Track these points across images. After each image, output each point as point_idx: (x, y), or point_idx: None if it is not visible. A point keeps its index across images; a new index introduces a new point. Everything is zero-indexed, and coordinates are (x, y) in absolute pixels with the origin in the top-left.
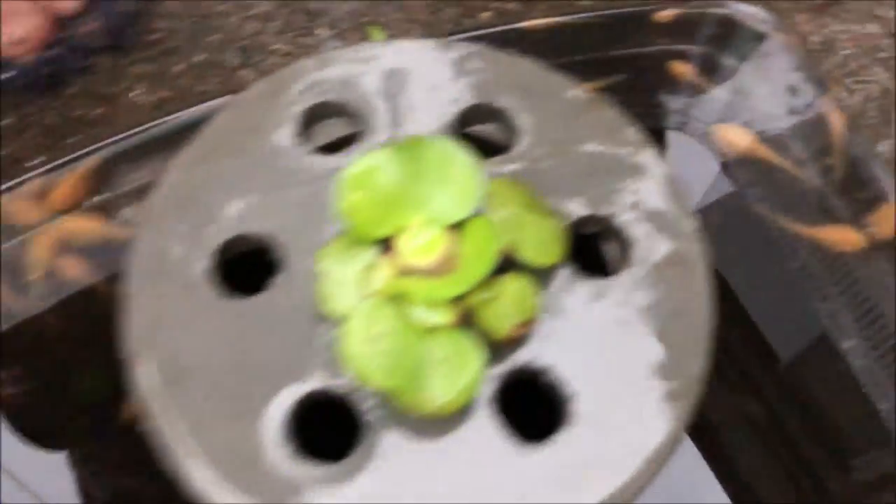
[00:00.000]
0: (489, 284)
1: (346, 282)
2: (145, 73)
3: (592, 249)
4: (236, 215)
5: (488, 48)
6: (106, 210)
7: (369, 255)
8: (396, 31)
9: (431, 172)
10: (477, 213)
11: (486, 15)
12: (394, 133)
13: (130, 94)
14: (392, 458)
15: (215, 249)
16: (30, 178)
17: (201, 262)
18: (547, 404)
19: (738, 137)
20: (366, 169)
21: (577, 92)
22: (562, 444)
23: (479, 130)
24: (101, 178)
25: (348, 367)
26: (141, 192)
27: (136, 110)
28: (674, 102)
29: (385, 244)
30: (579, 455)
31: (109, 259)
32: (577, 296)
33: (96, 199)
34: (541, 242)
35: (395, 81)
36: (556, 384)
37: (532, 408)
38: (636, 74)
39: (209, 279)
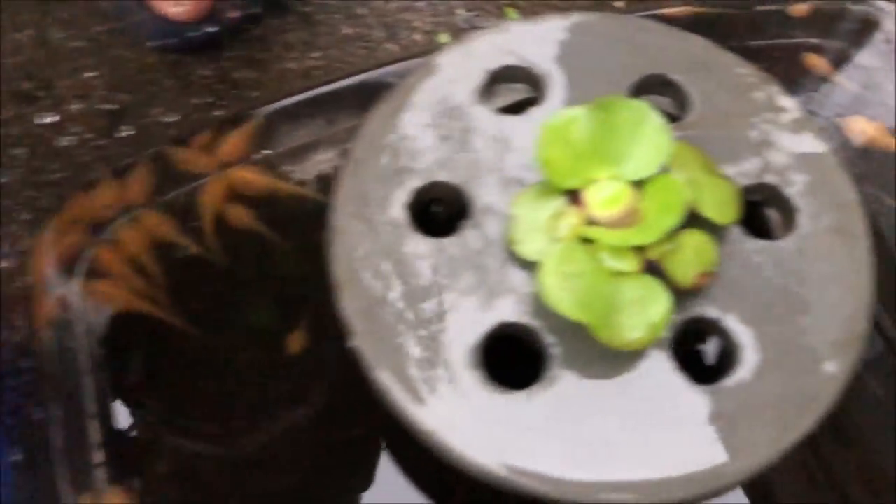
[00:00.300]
0: (672, 237)
1: (535, 227)
2: (295, 41)
3: (755, 215)
4: (430, 163)
5: (660, 23)
6: (269, 165)
7: (558, 203)
8: (532, 15)
9: (624, 131)
10: (662, 172)
11: (619, 3)
12: (570, 99)
13: (281, 61)
14: (572, 389)
15: (412, 192)
16: (200, 133)
17: (400, 203)
18: (714, 352)
19: (864, 129)
20: (563, 124)
21: (745, 69)
22: (730, 389)
23: (650, 100)
24: (264, 136)
25: (546, 301)
26: (299, 151)
27: (286, 77)
28: (802, 94)
29: (572, 195)
30: (747, 401)
31: (272, 209)
32: (747, 255)
33: (260, 154)
34: (719, 202)
35: (573, 50)
36: (726, 334)
37: (699, 354)
38: (770, 65)
39: (406, 218)
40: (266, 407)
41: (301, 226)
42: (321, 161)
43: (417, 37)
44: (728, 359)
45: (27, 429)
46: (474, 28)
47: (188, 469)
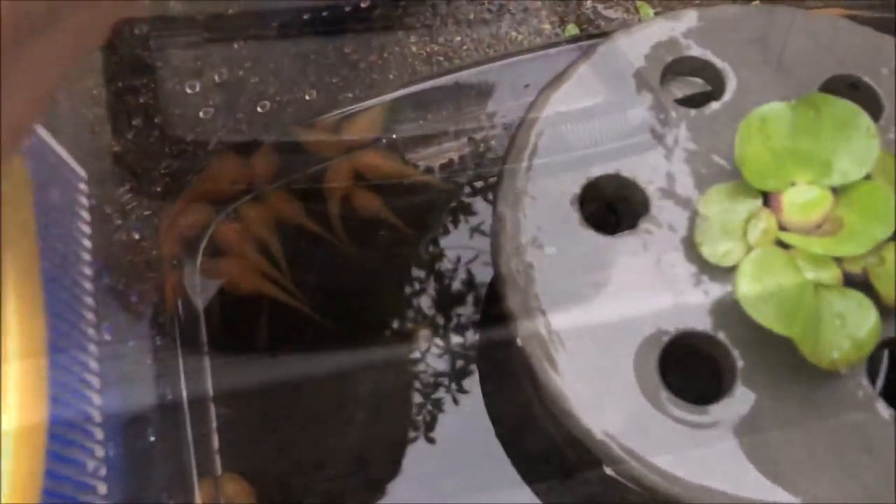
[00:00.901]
0: (876, 250)
1: (726, 229)
2: (418, 26)
3: None
4: (601, 156)
5: (850, 21)
6: (395, 151)
7: (752, 205)
8: (664, 9)
9: (830, 132)
10: (867, 178)
11: (755, 1)
12: (752, 96)
13: (403, 45)
14: (755, 405)
15: (582, 185)
16: (327, 114)
17: (569, 196)
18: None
19: None
20: (763, 120)
21: None
22: None
23: None
24: (390, 120)
25: (746, 311)
26: (425, 138)
27: (407, 61)
28: None
29: (765, 196)
30: None
31: (397, 195)
32: None
33: (386, 140)
34: None
35: (752, 44)
36: None
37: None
38: None
39: (577, 212)
40: (386, 399)
41: (427, 214)
42: (447, 149)
43: (545, 26)
44: None
45: (159, 409)
46: (603, 19)
47: (303, 457)
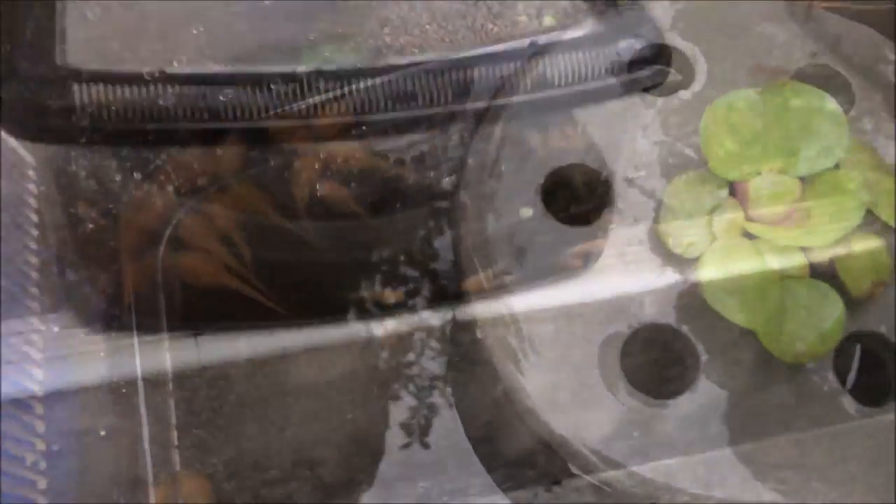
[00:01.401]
0: (844, 241)
1: (690, 219)
2: (392, 17)
3: None
4: (565, 144)
5: (824, 10)
6: (366, 141)
7: (717, 194)
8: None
9: (797, 120)
10: (836, 168)
11: None
12: (721, 85)
13: (376, 37)
14: (724, 403)
15: (549, 173)
16: (295, 106)
17: (535, 183)
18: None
19: None
20: (730, 107)
21: None
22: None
23: None
24: (361, 111)
25: (709, 303)
26: (397, 128)
27: (380, 52)
28: None
29: (731, 186)
30: None
31: (367, 187)
32: None
33: (357, 130)
34: (893, 205)
35: (726, 32)
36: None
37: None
38: None
39: (540, 203)
40: (351, 399)
41: (398, 206)
42: (419, 140)
43: (521, 17)
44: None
45: (112, 403)
46: (580, 11)
47: (264, 456)
